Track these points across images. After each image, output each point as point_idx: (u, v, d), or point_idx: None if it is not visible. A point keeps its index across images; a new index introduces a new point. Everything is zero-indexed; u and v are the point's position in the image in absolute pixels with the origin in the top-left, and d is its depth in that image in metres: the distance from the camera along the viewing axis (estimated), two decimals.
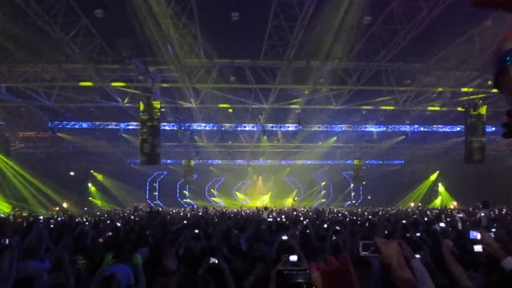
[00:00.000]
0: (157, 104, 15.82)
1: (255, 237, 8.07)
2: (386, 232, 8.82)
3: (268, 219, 14.43)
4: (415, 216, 16.20)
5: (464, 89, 17.10)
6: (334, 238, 6.85)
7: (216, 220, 14.28)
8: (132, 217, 17.87)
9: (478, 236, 3.81)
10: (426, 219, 13.53)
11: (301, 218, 14.93)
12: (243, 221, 13.58)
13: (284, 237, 6.80)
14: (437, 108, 19.74)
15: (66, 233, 9.05)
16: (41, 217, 18.06)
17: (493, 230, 7.39)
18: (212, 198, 44.19)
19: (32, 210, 26.38)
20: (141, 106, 15.74)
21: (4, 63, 15.18)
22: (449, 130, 24.16)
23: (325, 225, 10.33)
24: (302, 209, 29.79)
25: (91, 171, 37.85)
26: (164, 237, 8.51)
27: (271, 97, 17.76)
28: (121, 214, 22.09)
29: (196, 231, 8.71)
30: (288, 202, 37.62)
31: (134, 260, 4.83)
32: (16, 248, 4.77)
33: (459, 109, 18.57)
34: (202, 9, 11.78)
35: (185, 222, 12.48)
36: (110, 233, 8.54)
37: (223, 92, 17.50)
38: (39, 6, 10.90)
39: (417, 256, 4.17)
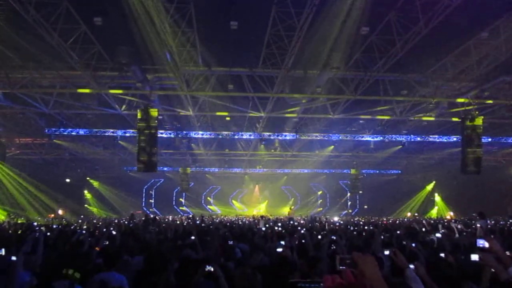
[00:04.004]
0: (154, 112, 15.81)
1: (254, 247, 8.01)
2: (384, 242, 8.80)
3: (263, 228, 14.34)
4: (411, 225, 16.17)
5: (461, 100, 17.18)
6: (333, 247, 6.81)
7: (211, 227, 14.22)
8: (131, 224, 17.77)
9: (486, 244, 3.80)
10: (424, 229, 13.50)
11: (299, 228, 14.86)
12: (240, 229, 13.52)
13: (279, 249, 6.70)
14: (434, 119, 19.81)
15: (62, 241, 9.00)
16: (35, 223, 17.93)
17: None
18: (209, 206, 44.08)
19: (28, 217, 26.22)
20: (139, 114, 15.73)
21: (2, 69, 15.14)
22: (445, 141, 24.20)
23: (319, 236, 10.27)
24: (299, 218, 29.72)
25: (87, 178, 37.71)
26: (160, 245, 8.45)
27: (269, 105, 17.79)
28: (117, 221, 22.00)
29: (193, 237, 8.67)
30: (285, 211, 37.56)
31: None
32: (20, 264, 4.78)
33: (456, 119, 18.64)
34: (201, 18, 11.83)
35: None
36: (107, 242, 8.48)
37: (221, 100, 17.52)
38: (38, 13, 10.90)
39: (412, 266, 4.16)
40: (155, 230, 13.14)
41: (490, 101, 17.39)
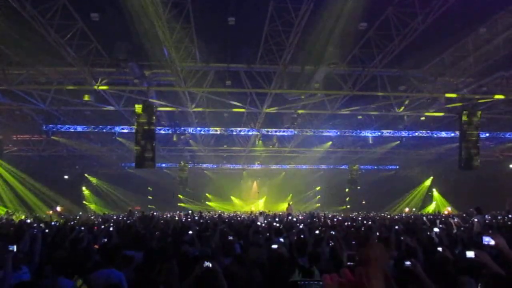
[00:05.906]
0: (152, 108, 15.80)
1: (252, 242, 8.02)
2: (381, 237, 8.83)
3: (260, 223, 14.36)
4: (409, 221, 16.20)
5: (459, 95, 17.19)
6: (331, 243, 6.82)
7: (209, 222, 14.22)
8: (129, 221, 17.75)
9: (492, 242, 3.81)
10: (424, 226, 13.51)
11: (297, 224, 14.88)
12: (239, 225, 13.54)
13: (274, 246, 6.70)
14: (432, 114, 19.82)
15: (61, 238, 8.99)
16: (29, 221, 17.88)
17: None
18: (207, 202, 44.07)
19: (27, 214, 26.20)
20: (137, 110, 15.70)
21: None
22: (443, 136, 24.24)
23: (317, 231, 10.28)
24: (297, 213, 29.75)
25: (85, 174, 37.65)
26: (161, 241, 8.45)
27: (267, 101, 17.77)
28: (115, 218, 21.98)
29: (190, 232, 8.67)
30: (283, 207, 37.54)
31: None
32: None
33: (453, 114, 18.66)
34: (198, 13, 11.80)
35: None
36: (105, 240, 8.48)
37: (219, 96, 17.49)
38: (35, 9, 10.85)
39: (408, 263, 4.18)
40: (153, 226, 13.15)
41: (488, 97, 17.39)
